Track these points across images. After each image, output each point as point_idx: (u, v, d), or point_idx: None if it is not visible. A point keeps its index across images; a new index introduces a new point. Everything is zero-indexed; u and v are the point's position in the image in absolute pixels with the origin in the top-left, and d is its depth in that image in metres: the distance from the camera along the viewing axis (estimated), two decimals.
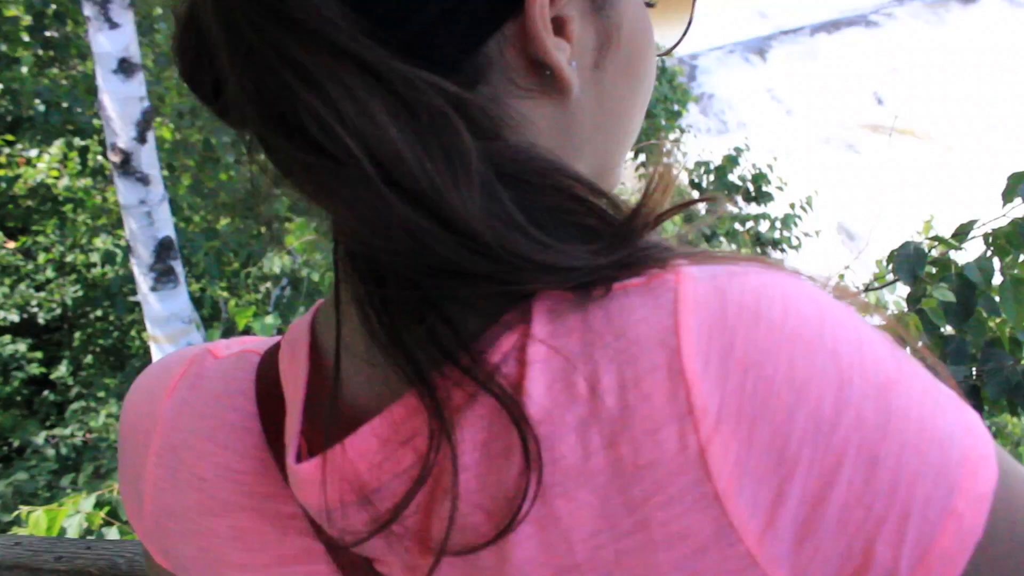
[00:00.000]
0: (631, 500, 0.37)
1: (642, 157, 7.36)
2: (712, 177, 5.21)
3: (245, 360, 0.54)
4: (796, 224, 5.01)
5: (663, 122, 7.69)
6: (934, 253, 2.02)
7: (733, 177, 5.09)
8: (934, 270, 2.00)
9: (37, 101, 4.77)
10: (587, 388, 0.38)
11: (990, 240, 1.93)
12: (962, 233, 1.99)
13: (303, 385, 0.47)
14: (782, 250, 5.06)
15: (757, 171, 5.09)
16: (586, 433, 0.37)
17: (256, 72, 0.39)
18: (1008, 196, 1.85)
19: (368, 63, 0.38)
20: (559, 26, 0.45)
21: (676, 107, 7.86)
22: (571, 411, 0.38)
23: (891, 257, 2.03)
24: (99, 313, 6.36)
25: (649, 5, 0.52)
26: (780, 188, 5.14)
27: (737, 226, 4.86)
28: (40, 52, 5.19)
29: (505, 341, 0.40)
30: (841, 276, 4.04)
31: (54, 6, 5.06)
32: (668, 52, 0.58)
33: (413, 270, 0.40)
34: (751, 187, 5.05)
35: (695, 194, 5.14)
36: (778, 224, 4.98)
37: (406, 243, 0.38)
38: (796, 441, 0.35)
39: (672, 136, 7.32)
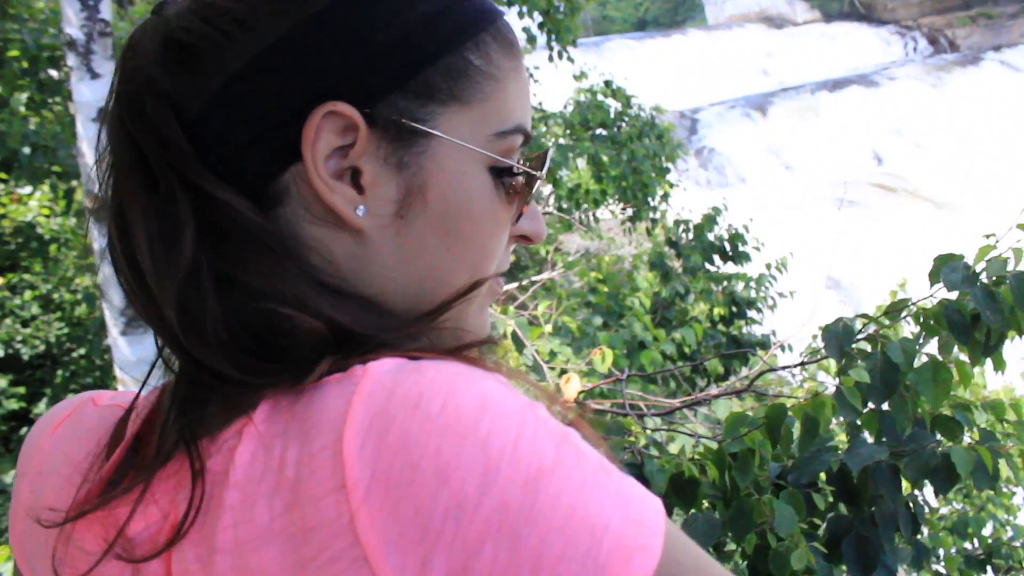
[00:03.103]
0: (302, 558, 0.42)
1: (628, 212, 7.44)
2: (691, 235, 5.26)
3: (111, 412, 0.62)
4: (771, 284, 5.05)
5: (653, 176, 7.77)
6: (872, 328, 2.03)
7: (711, 236, 5.15)
8: (869, 348, 2.01)
9: (25, 147, 4.87)
10: (278, 462, 0.44)
11: (920, 319, 1.95)
12: (894, 311, 2.01)
13: (129, 438, 0.55)
14: (758, 310, 5.09)
15: (734, 231, 5.14)
16: (273, 499, 0.44)
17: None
18: (933, 278, 1.87)
19: (158, 177, 0.50)
20: (356, 174, 0.53)
21: (665, 163, 7.95)
22: (265, 480, 0.44)
23: (824, 332, 2.04)
24: (83, 351, 6.39)
25: (531, 179, 0.58)
26: (757, 248, 5.18)
27: (713, 285, 4.90)
28: (35, 95, 5.30)
29: (238, 424, 0.47)
30: (815, 337, 4.03)
31: (47, 53, 5.17)
32: (522, 241, 0.63)
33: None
34: (728, 246, 5.10)
35: (671, 252, 5.18)
36: (752, 284, 5.01)
37: (140, 315, 0.49)
38: (439, 518, 0.40)
39: (660, 192, 7.39)
